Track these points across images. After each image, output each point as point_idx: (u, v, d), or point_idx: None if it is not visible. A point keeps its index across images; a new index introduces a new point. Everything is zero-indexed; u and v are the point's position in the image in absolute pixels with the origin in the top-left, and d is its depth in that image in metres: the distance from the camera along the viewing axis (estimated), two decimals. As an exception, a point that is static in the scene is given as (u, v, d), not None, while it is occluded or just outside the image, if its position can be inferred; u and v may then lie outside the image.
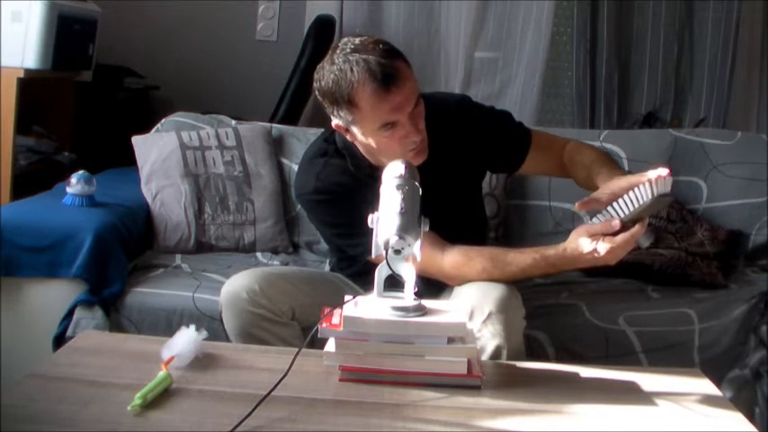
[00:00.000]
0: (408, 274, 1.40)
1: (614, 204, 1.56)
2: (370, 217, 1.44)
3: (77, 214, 2.23)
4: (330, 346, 1.42)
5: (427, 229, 1.43)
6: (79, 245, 2.09)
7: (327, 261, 2.26)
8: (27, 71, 2.78)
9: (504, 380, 1.47)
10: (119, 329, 2.05)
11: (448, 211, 1.71)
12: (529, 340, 1.83)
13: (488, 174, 2.23)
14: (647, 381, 1.47)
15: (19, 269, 2.09)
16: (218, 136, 2.57)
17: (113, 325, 2.06)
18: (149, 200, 2.46)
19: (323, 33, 3.42)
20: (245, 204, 2.50)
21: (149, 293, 2.12)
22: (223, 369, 1.43)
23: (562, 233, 2.32)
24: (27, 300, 2.12)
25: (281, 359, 1.39)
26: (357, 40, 1.69)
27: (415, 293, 1.41)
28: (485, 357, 1.59)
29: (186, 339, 1.42)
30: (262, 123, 2.73)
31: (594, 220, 1.60)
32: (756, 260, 2.51)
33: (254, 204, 2.51)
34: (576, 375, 1.51)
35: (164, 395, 1.28)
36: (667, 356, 2.02)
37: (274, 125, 2.77)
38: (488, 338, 1.59)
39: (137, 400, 1.22)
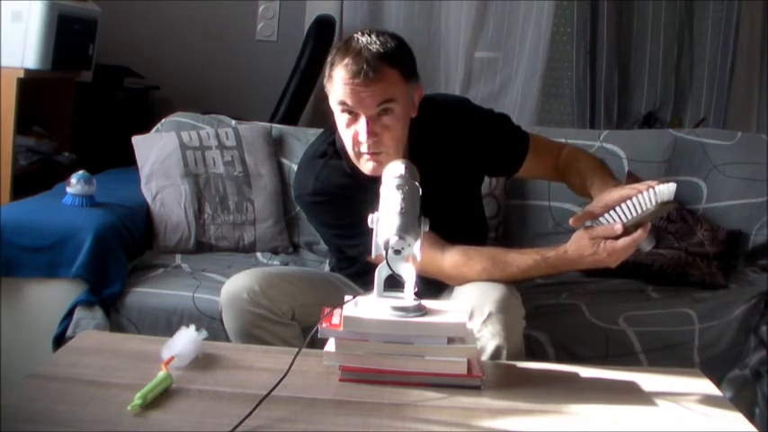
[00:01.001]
0: (408, 274, 1.41)
1: (617, 209, 1.57)
2: (369, 217, 1.44)
3: (77, 214, 2.22)
4: (330, 346, 1.42)
5: (427, 229, 1.43)
6: (79, 245, 2.09)
7: (327, 261, 2.26)
8: (27, 71, 2.78)
9: (504, 380, 1.47)
10: (119, 329, 2.05)
11: (448, 212, 1.71)
12: (529, 340, 1.83)
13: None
14: (647, 381, 1.47)
15: (19, 269, 2.09)
16: (218, 136, 2.57)
17: (113, 325, 2.06)
18: (149, 200, 2.46)
19: (323, 33, 3.42)
20: (245, 204, 2.50)
21: (149, 293, 2.12)
22: (223, 369, 1.43)
23: (562, 233, 2.33)
24: (27, 300, 2.12)
25: (281, 359, 1.39)
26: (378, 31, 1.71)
27: (415, 293, 1.41)
28: (485, 357, 1.59)
29: (186, 339, 1.42)
30: (262, 123, 2.73)
31: (597, 223, 1.61)
32: (756, 260, 2.52)
33: (254, 204, 2.51)
34: (575, 375, 1.51)
35: (164, 395, 1.28)
36: (667, 356, 2.02)
37: (274, 125, 2.77)
38: (488, 338, 1.59)
39: (137, 400, 1.22)
